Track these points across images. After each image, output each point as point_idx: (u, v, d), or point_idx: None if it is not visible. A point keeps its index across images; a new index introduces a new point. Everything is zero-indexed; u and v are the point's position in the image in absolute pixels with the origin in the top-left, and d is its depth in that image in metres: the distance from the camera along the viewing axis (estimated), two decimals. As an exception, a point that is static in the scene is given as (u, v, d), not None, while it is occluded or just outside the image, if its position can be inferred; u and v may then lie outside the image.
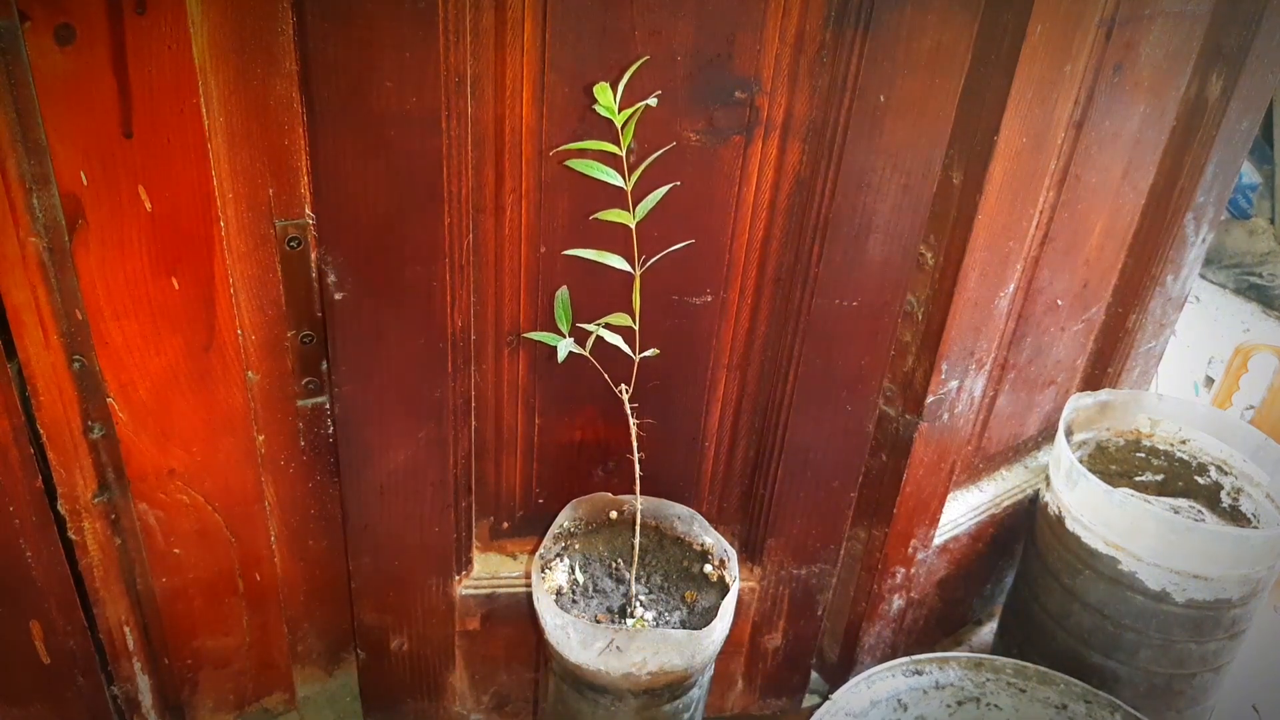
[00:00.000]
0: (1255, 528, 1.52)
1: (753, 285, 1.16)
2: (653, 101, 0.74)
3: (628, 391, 1.04)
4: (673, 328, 1.16)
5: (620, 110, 0.76)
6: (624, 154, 0.76)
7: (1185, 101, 1.39)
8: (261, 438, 1.21)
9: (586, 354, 0.96)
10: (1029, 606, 1.60)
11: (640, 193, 0.91)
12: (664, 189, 0.76)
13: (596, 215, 0.76)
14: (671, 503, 1.24)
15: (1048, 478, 1.52)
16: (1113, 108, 1.26)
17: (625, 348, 0.97)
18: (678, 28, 0.95)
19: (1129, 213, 1.47)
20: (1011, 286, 1.30)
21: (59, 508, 1.11)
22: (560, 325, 0.96)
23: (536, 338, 1.00)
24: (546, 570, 1.18)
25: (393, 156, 0.96)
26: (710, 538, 1.22)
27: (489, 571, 1.33)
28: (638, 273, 0.90)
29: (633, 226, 0.85)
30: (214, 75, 0.95)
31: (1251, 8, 1.31)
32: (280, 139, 1.01)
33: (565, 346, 0.95)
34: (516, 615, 1.34)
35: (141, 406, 1.09)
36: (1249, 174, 3.27)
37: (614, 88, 0.74)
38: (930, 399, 1.30)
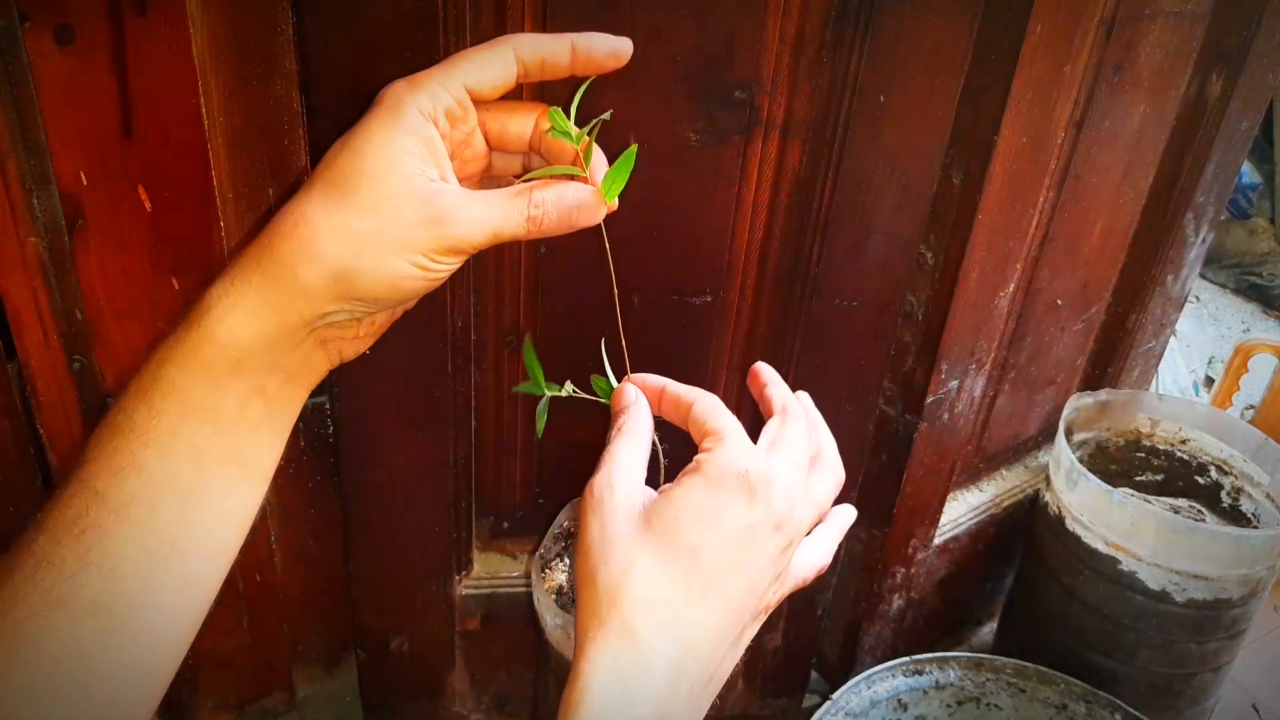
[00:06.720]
0: (1255, 528, 1.53)
1: (753, 285, 1.16)
2: (606, 116, 0.71)
3: (628, 391, 1.03)
4: (673, 328, 1.16)
5: (579, 126, 0.73)
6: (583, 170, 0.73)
7: (1185, 101, 1.39)
8: (261, 438, 1.21)
9: (573, 393, 0.91)
10: (1029, 606, 1.60)
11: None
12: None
13: None
14: (671, 503, 1.23)
15: (1048, 478, 1.53)
16: (1113, 108, 1.26)
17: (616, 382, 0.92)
18: (677, 28, 0.95)
19: (1129, 212, 1.47)
20: (1011, 286, 1.30)
21: (59, 508, 1.11)
22: (534, 375, 0.90)
23: (523, 390, 0.95)
24: (546, 570, 1.18)
25: (393, 156, 0.96)
26: (710, 538, 1.22)
27: (489, 571, 1.33)
28: (613, 272, 0.88)
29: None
30: (214, 75, 0.95)
31: (1251, 8, 1.31)
32: (280, 139, 1.01)
33: (544, 409, 0.90)
34: (516, 615, 1.34)
35: (141, 406, 1.09)
36: (1249, 174, 3.27)
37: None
38: (930, 399, 1.30)
